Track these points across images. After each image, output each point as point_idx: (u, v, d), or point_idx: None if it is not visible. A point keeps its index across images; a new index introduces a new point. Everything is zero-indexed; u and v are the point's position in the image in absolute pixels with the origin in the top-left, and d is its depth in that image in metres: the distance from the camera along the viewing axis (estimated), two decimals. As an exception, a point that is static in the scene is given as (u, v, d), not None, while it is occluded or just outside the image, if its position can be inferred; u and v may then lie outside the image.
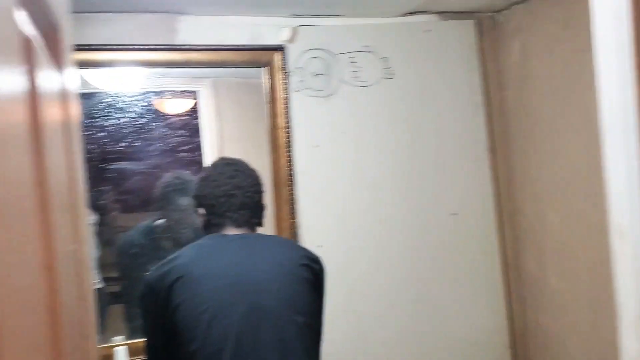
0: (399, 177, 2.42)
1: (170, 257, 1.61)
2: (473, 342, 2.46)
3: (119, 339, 2.13)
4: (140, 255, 2.18)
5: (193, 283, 1.52)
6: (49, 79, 0.73)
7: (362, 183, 2.38)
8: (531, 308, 2.47)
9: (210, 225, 1.70)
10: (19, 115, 0.55)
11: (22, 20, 0.59)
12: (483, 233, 2.50)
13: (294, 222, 2.28)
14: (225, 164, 1.73)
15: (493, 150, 2.52)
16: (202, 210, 1.71)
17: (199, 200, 1.71)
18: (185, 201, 2.19)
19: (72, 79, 0.96)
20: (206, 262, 1.57)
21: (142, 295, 1.60)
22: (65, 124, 0.85)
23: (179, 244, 2.13)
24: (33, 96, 0.61)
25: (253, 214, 1.70)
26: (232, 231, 1.67)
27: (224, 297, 1.51)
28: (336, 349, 2.31)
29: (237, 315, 1.49)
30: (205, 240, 1.67)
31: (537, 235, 2.40)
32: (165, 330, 1.55)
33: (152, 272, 1.60)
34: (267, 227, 2.26)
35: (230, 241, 1.64)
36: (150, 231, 2.19)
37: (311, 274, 1.63)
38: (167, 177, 2.20)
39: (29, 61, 0.60)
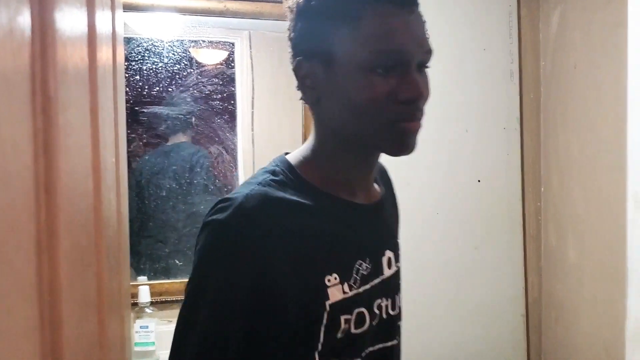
0: (427, 140, 2.41)
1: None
2: (490, 308, 2.50)
3: (142, 278, 2.21)
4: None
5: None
6: (104, 20, 0.76)
7: (389, 144, 2.39)
8: (547, 279, 2.50)
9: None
10: (82, 55, 0.59)
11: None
12: (507, 202, 2.51)
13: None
14: None
15: (522, 119, 2.52)
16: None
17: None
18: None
19: (120, 21, 1.00)
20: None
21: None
22: (114, 65, 0.89)
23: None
24: (92, 37, 0.65)
25: None
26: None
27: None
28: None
29: None
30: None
31: (559, 209, 2.42)
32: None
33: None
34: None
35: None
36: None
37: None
38: None
39: (92, 1, 0.64)
